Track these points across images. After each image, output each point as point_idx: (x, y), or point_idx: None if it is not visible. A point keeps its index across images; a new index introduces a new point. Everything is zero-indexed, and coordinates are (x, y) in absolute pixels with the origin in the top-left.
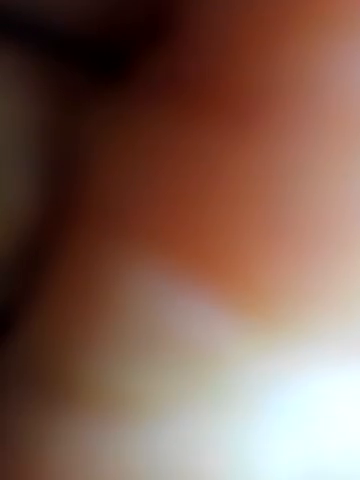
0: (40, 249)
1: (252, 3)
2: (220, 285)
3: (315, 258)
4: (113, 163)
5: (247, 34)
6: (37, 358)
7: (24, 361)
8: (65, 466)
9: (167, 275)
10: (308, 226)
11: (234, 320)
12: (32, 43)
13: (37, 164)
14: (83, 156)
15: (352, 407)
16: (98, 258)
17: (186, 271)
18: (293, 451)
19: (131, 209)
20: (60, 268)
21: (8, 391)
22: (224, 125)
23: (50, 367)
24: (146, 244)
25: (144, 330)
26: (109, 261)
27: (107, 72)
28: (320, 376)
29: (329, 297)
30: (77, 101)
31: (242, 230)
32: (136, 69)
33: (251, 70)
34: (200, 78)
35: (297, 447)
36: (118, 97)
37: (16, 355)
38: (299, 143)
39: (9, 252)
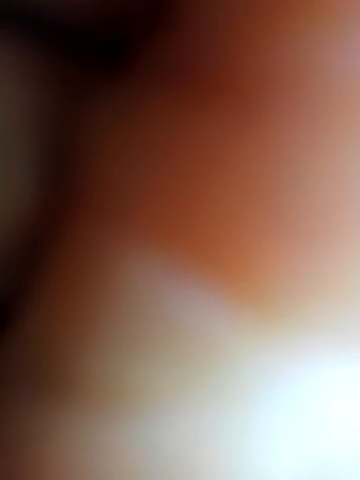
0: (38, 242)
1: None
2: (219, 277)
3: (315, 250)
4: (113, 155)
5: (247, 23)
6: (36, 352)
7: (23, 355)
8: (64, 459)
9: (167, 267)
10: (308, 218)
11: (233, 312)
12: (30, 35)
13: (36, 157)
14: (82, 148)
15: (350, 398)
16: (97, 251)
17: (186, 263)
18: (292, 442)
19: (130, 201)
20: (59, 261)
21: (7, 385)
22: (225, 115)
23: (49, 360)
24: (146, 236)
25: (143, 322)
26: (108, 254)
27: (106, 63)
28: (319, 367)
29: (328, 289)
30: (76, 93)
31: (242, 221)
32: (135, 60)
33: (252, 59)
34: (200, 68)
35: (296, 438)
36: (117, 88)
37: (15, 349)
38: (300, 134)
39: (7, 245)
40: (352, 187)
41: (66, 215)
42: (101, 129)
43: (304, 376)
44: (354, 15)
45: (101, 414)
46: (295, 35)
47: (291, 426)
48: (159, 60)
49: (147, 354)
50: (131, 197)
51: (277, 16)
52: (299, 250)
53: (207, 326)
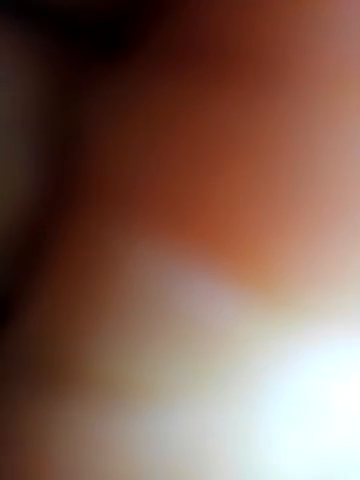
0: (40, 238)
1: None
2: (227, 265)
3: (323, 237)
4: (117, 145)
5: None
6: (38, 349)
7: (25, 349)
8: (67, 457)
9: (173, 257)
10: (318, 203)
11: (241, 301)
12: (27, 20)
13: (36, 146)
14: (83, 140)
15: (357, 385)
16: (99, 241)
17: (193, 252)
18: (299, 432)
19: (136, 192)
20: (61, 257)
21: (8, 382)
22: (232, 100)
23: (51, 358)
24: (152, 226)
25: (149, 315)
26: (111, 244)
27: (106, 51)
28: (326, 355)
29: (336, 276)
30: (74, 83)
31: (250, 209)
32: (137, 46)
33: (259, 40)
34: (203, 54)
35: (303, 429)
36: (119, 77)
37: (16, 346)
38: (311, 112)
39: (8, 238)
40: None
41: (68, 210)
42: (103, 120)
43: (312, 363)
44: None
45: (104, 411)
46: (303, 8)
47: (298, 416)
48: (162, 45)
49: (153, 346)
50: (136, 188)
51: None
52: (307, 237)
53: (214, 316)
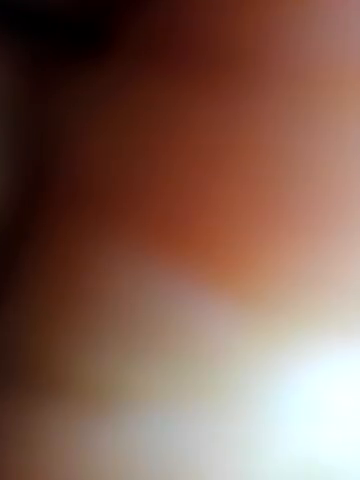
0: (21, 236)
1: None
2: (218, 275)
3: (316, 246)
4: (99, 142)
5: None
6: (22, 351)
7: (7, 354)
8: (52, 455)
9: (163, 266)
10: (309, 212)
11: (236, 310)
12: (3, 16)
13: (12, 145)
14: (62, 136)
15: (355, 396)
16: (79, 244)
17: (184, 260)
18: (295, 443)
19: (120, 192)
20: (38, 256)
21: None
22: (212, 91)
23: (37, 362)
24: (139, 235)
25: (137, 322)
26: (90, 247)
27: (86, 44)
28: (323, 367)
29: (334, 286)
30: (52, 77)
31: (241, 216)
32: (121, 40)
33: (247, 30)
34: (183, 45)
35: (300, 439)
36: (102, 71)
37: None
38: (307, 111)
39: None
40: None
41: (53, 213)
42: (85, 116)
43: (308, 375)
44: None
45: (96, 416)
46: (291, 6)
47: (295, 427)
48: (143, 40)
49: (144, 355)
50: (120, 188)
51: None
52: (303, 249)
53: (206, 325)
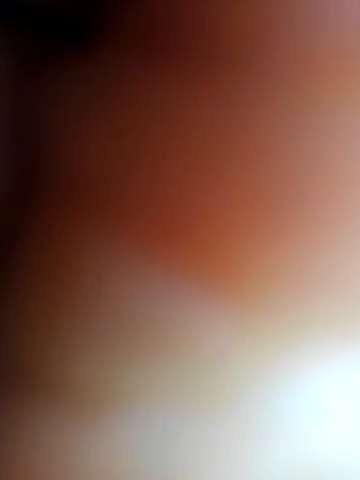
0: (11, 235)
1: None
2: (215, 277)
3: (322, 250)
4: (88, 137)
5: None
6: (17, 348)
7: (3, 351)
8: (48, 456)
9: (162, 270)
10: (306, 216)
11: (237, 314)
12: None
13: (0, 141)
14: (52, 131)
15: (353, 401)
16: (75, 244)
17: (184, 264)
18: (297, 445)
19: (110, 188)
20: (33, 256)
21: None
22: (211, 87)
23: (30, 358)
24: (129, 226)
25: (133, 325)
26: (87, 248)
27: (76, 37)
28: (326, 370)
29: (336, 290)
30: (44, 69)
31: (237, 219)
32: (110, 32)
33: (239, 21)
34: (180, 38)
35: (302, 441)
36: (90, 64)
37: None
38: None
39: None
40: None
41: (47, 213)
42: (80, 113)
43: (310, 377)
44: None
45: (93, 418)
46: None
47: (293, 432)
48: (142, 32)
49: (145, 356)
50: (119, 188)
51: None
52: (305, 253)
53: (208, 327)
